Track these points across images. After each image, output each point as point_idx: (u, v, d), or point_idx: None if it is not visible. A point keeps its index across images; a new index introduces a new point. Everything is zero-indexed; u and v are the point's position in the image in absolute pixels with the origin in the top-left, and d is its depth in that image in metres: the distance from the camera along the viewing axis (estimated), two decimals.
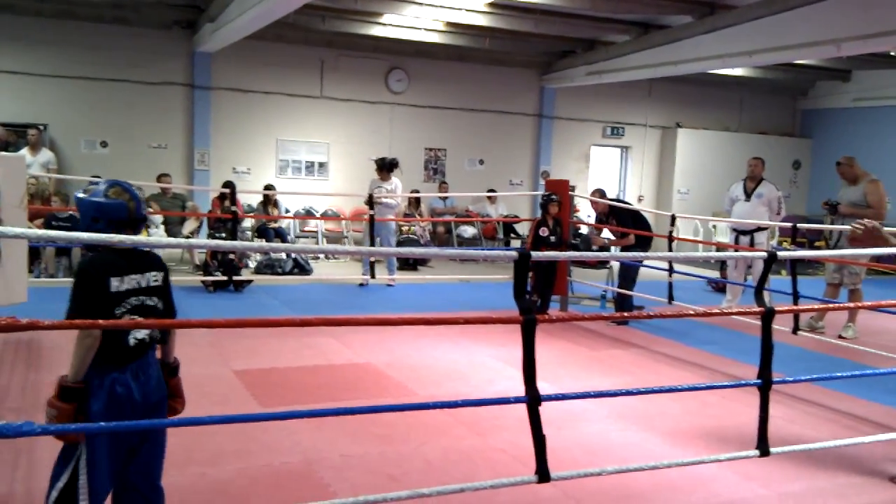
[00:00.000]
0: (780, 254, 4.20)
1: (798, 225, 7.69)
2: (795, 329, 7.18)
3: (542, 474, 3.38)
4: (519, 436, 4.61)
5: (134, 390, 2.85)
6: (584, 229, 13.65)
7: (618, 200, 10.43)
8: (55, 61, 12.45)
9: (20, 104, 12.27)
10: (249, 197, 13.06)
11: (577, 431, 5.06)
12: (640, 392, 4.73)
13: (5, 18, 12.07)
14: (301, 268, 11.34)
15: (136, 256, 2.92)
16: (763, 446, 3.88)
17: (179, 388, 3.12)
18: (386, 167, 10.85)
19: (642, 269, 9.35)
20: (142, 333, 2.87)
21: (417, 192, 13.93)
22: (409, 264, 12.58)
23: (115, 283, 2.82)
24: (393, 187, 10.78)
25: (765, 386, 3.87)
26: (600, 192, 10.33)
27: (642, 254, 4.16)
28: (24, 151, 10.92)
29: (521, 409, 3.42)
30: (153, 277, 2.94)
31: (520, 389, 3.44)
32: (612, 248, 9.81)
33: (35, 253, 9.70)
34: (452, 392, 5.75)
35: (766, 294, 4.20)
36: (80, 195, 2.92)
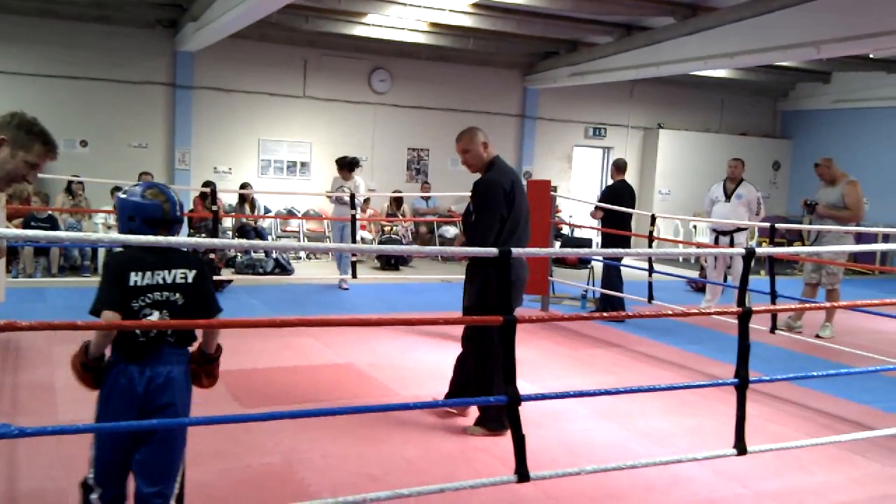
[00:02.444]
0: (759, 250, 4.25)
1: (777, 225, 7.76)
2: (773, 328, 7.24)
3: (522, 474, 3.40)
4: (499, 436, 4.64)
5: (137, 384, 2.90)
6: (566, 230, 13.72)
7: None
8: (35, 60, 12.36)
9: None
10: (230, 196, 13.04)
11: (557, 431, 5.09)
12: (619, 391, 4.77)
13: None
14: (282, 268, 11.33)
15: (164, 253, 3.00)
16: (740, 445, 3.92)
17: (213, 371, 3.22)
18: (347, 166, 10.79)
19: (624, 269, 9.39)
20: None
21: (399, 192, 13.94)
22: (390, 264, 12.58)
23: (135, 278, 2.92)
24: (356, 186, 10.70)
25: (742, 385, 3.91)
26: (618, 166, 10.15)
27: (622, 250, 4.19)
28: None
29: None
30: (180, 274, 3.00)
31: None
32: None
33: (13, 253, 9.63)
34: (434, 392, 5.75)
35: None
36: (121, 195, 3.07)
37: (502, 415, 4.78)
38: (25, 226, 9.96)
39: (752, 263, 4.15)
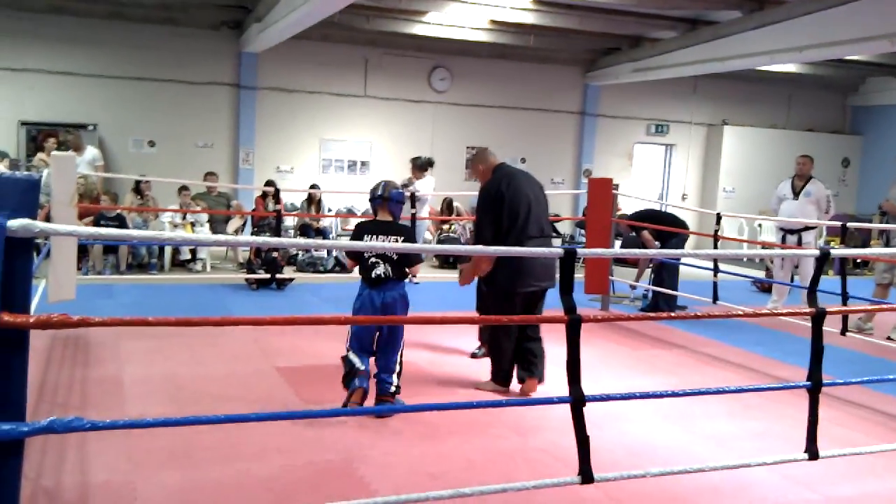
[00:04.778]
0: (833, 251, 4.11)
1: (847, 224, 7.55)
2: (844, 330, 7.03)
3: (586, 475, 3.34)
4: (560, 436, 4.58)
5: (375, 300, 4.95)
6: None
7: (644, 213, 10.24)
8: (105, 62, 12.69)
9: (71, 104, 12.53)
10: (292, 195, 13.20)
11: (620, 432, 5.02)
12: (686, 394, 4.66)
13: (57, 20, 12.33)
14: (342, 266, 11.39)
15: (387, 224, 5.04)
16: (812, 449, 3.80)
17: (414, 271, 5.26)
18: (420, 166, 11.06)
19: (687, 269, 9.23)
20: (378, 270, 4.89)
21: (451, 195, 13.89)
22: (448, 262, 12.59)
23: (367, 238, 4.96)
24: (423, 185, 10.91)
25: (814, 388, 3.79)
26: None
27: (689, 251, 4.09)
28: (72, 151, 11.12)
29: (563, 408, 3.39)
30: (393, 238, 4.93)
31: (562, 389, 3.41)
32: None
33: (83, 251, 9.88)
34: None
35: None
36: (395, 190, 5.10)
37: (510, 371, 5.71)
38: (95, 224, 10.21)
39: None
